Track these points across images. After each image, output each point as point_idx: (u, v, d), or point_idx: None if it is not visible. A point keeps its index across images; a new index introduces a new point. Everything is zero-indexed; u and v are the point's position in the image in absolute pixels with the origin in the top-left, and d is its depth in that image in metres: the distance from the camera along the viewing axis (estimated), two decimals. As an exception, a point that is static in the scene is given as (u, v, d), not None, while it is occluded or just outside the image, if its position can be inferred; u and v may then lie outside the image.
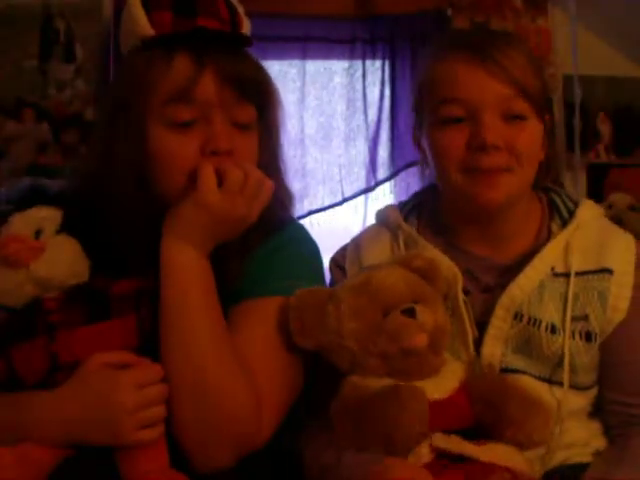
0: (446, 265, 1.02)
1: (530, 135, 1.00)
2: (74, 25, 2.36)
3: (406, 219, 1.11)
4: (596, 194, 2.59)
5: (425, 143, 1.06)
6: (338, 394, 0.92)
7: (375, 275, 0.94)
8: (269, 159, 1.01)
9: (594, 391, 1.04)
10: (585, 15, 2.51)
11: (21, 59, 2.32)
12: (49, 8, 2.34)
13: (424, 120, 1.05)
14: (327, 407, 0.93)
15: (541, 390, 0.98)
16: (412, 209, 1.14)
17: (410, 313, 0.89)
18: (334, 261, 1.14)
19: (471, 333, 1.01)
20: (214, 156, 0.92)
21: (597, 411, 1.05)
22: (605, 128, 2.76)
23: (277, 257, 1.01)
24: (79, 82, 2.33)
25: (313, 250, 1.08)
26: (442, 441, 0.86)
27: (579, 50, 2.47)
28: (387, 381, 0.89)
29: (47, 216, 0.91)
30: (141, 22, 0.91)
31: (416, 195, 1.18)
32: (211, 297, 0.93)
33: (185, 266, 0.92)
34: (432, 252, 1.04)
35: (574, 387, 1.01)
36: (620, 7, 2.47)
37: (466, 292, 1.03)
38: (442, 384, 0.90)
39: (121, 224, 0.95)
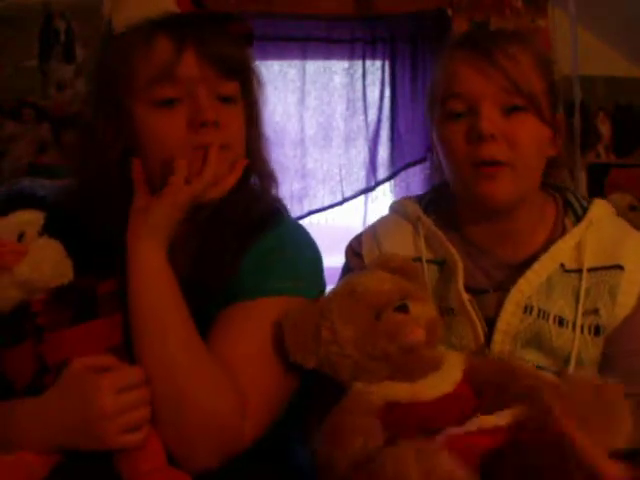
0: (454, 260, 1.04)
1: (529, 129, 1.01)
2: (74, 25, 2.36)
3: (424, 212, 1.12)
4: (596, 194, 2.57)
5: (435, 141, 1.08)
6: (342, 405, 0.88)
7: (358, 280, 0.94)
8: (254, 134, 1.02)
9: None
10: (585, 15, 2.51)
11: (21, 59, 2.33)
12: (49, 8, 2.34)
13: (433, 117, 1.08)
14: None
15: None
16: (429, 203, 1.15)
17: (403, 309, 0.89)
18: (351, 248, 1.15)
19: (481, 330, 1.01)
20: (203, 128, 0.92)
21: None
22: (605, 128, 2.76)
23: (276, 257, 1.01)
24: (79, 82, 2.33)
25: (313, 250, 1.08)
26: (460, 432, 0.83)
27: (579, 50, 2.47)
28: (391, 386, 0.87)
29: (29, 219, 0.91)
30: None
31: (432, 190, 1.19)
32: (180, 298, 0.92)
33: (159, 267, 0.92)
34: (449, 248, 1.06)
35: None
36: (620, 7, 2.47)
37: (480, 291, 1.04)
38: (446, 377, 0.89)
39: (104, 217, 0.95)
